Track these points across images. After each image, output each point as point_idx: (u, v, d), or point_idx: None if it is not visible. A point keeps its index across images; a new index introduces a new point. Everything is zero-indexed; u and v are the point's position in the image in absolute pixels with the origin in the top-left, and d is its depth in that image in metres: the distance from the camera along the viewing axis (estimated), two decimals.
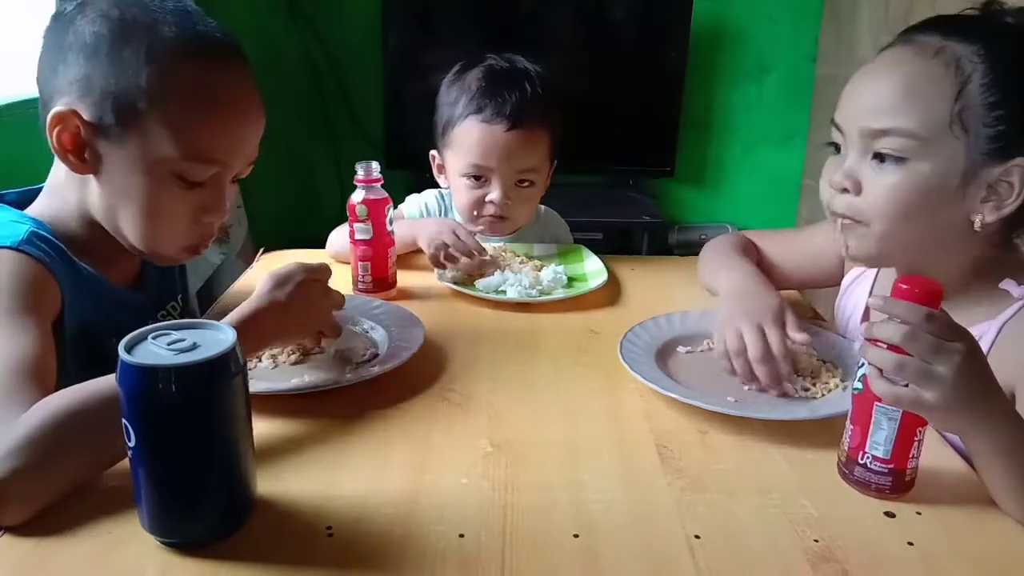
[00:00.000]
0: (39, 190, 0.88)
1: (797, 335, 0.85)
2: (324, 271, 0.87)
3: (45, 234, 0.80)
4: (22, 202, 0.87)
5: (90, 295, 0.82)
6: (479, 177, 1.25)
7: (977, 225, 0.77)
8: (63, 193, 0.84)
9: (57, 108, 0.77)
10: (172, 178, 0.80)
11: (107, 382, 0.64)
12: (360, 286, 1.11)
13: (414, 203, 1.40)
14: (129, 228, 0.82)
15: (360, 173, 1.09)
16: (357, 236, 1.09)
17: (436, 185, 1.40)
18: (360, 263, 1.10)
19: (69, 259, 0.81)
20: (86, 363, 0.67)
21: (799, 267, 1.09)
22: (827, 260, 1.06)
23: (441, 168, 1.33)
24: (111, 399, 0.59)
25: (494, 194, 1.24)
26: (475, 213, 1.27)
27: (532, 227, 1.39)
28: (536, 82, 1.24)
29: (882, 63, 0.81)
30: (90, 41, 0.76)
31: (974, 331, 0.79)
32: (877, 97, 0.80)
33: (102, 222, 0.83)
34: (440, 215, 1.38)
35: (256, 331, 0.78)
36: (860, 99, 0.82)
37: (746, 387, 0.85)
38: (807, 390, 0.84)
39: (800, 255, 1.09)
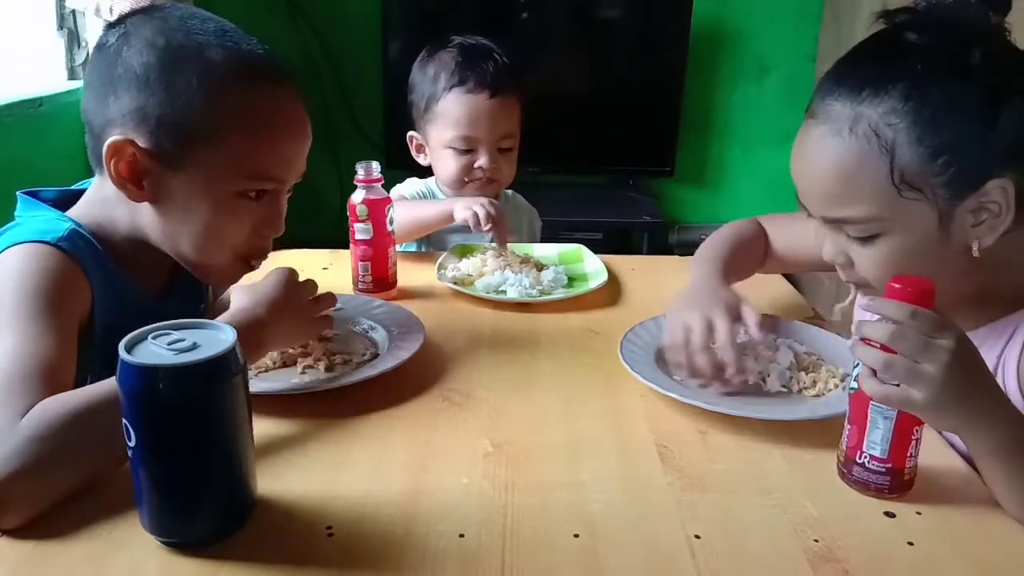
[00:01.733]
0: (77, 192, 0.89)
1: (755, 331, 0.85)
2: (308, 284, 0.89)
3: (85, 234, 0.81)
4: (60, 201, 0.87)
5: (118, 300, 0.82)
6: (466, 146, 1.32)
7: (975, 251, 0.73)
8: (110, 209, 0.84)
9: (113, 138, 0.77)
10: (232, 198, 0.81)
11: (108, 385, 0.64)
12: (360, 286, 1.11)
13: (396, 195, 1.41)
14: (190, 248, 0.83)
15: (360, 173, 1.09)
16: (357, 236, 1.09)
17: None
18: (360, 263, 1.10)
19: (104, 262, 0.81)
20: (110, 366, 0.67)
21: (810, 251, 1.02)
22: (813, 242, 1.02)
23: (420, 148, 1.41)
24: (111, 401, 0.59)
25: (482, 160, 1.33)
26: (464, 180, 1.35)
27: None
28: (503, 54, 1.35)
29: (806, 148, 0.78)
30: (140, 72, 0.77)
31: (1012, 320, 0.77)
32: (820, 189, 0.77)
33: (160, 244, 0.84)
34: None
35: (256, 335, 0.78)
36: (806, 189, 0.79)
37: (691, 381, 0.85)
38: (806, 389, 0.84)
39: (812, 239, 1.04)
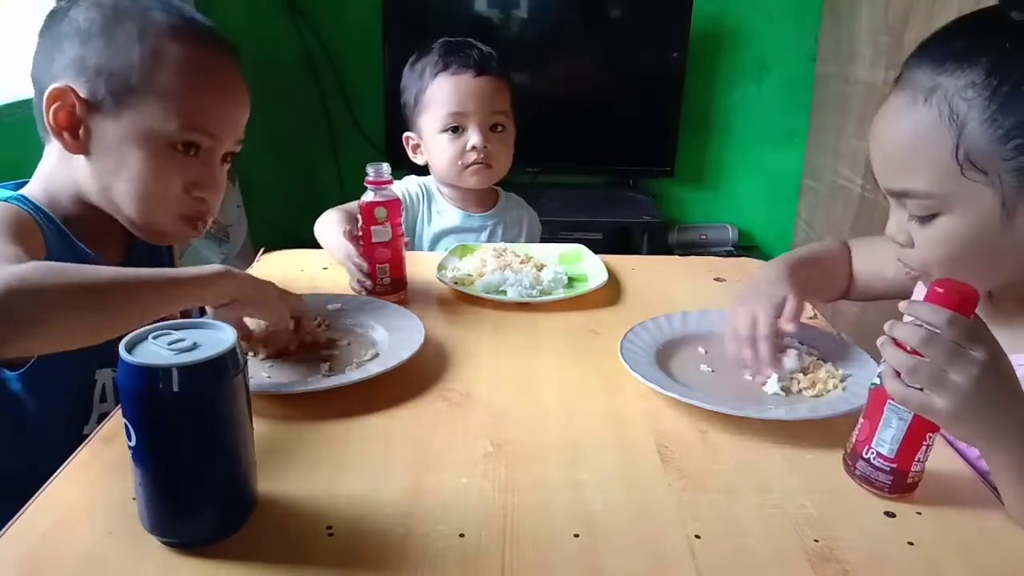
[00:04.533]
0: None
1: (787, 324, 0.86)
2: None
3: (37, 204, 0.84)
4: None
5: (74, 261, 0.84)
6: (457, 128, 1.34)
7: None
8: (55, 178, 0.87)
9: (54, 85, 0.81)
10: (166, 150, 0.84)
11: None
12: (378, 288, 1.09)
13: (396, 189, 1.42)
14: (125, 202, 0.85)
15: (371, 174, 1.07)
16: (375, 239, 1.07)
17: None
18: (379, 265, 1.08)
19: (58, 227, 0.84)
20: None
21: (883, 273, 1.01)
22: (890, 271, 0.98)
23: (416, 148, 1.42)
24: (111, 277, 0.65)
25: (474, 139, 1.34)
26: (460, 164, 1.36)
27: (500, 210, 1.46)
28: (485, 46, 1.37)
29: (883, 115, 0.76)
30: (84, 27, 0.81)
31: None
32: (884, 156, 0.75)
33: (97, 200, 0.86)
34: (421, 200, 1.44)
35: (218, 278, 0.77)
36: (875, 157, 0.77)
37: (746, 375, 0.87)
38: (806, 389, 0.84)
39: (877, 263, 1.02)
